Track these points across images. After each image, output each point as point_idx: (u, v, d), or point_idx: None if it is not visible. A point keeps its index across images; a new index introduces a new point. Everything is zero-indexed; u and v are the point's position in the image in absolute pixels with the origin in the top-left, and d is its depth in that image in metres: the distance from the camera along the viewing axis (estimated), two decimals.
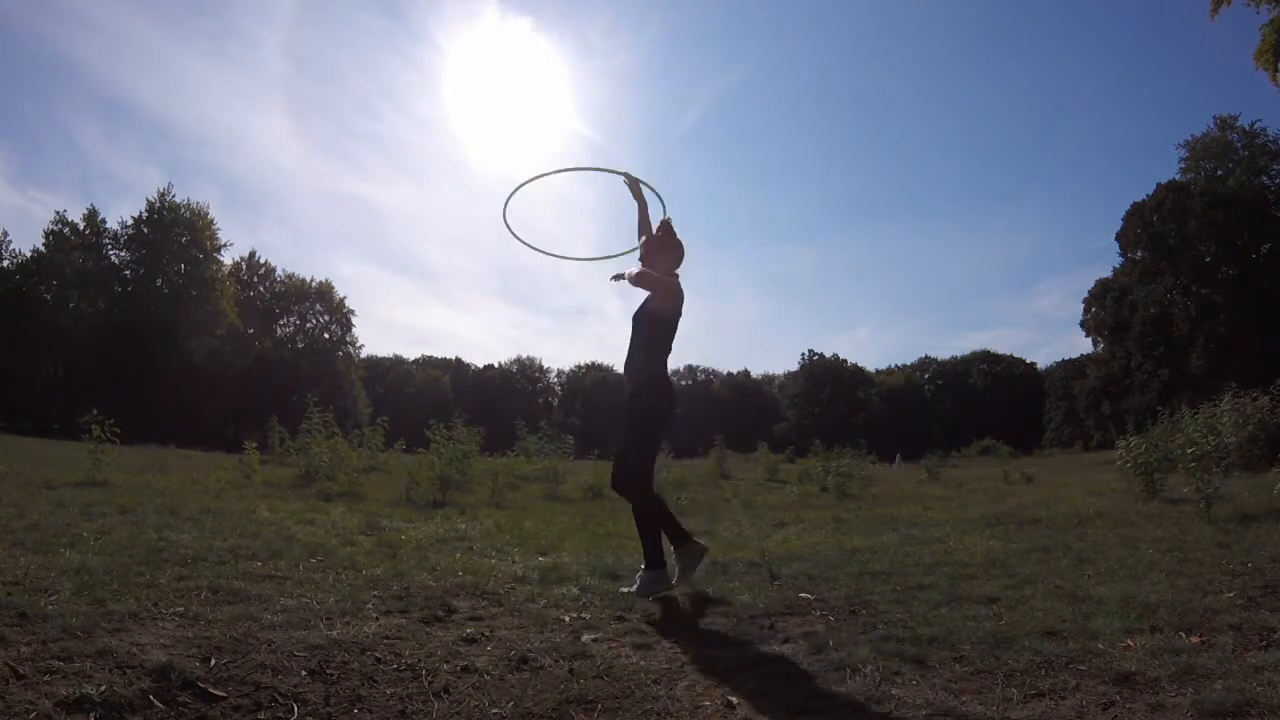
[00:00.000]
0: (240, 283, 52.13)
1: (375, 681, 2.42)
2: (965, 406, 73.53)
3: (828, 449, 15.96)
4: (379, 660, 2.60)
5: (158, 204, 45.89)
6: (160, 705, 2.09)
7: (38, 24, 70.14)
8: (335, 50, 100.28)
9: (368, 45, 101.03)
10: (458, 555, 4.75)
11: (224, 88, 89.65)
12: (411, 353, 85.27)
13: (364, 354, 61.25)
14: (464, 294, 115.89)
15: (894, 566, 4.52)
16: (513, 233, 4.65)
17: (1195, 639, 2.74)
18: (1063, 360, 63.88)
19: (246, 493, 8.12)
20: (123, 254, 46.11)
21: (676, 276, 4.06)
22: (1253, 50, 11.79)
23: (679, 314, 3.99)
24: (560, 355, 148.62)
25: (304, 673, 2.42)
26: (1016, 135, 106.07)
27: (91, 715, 1.97)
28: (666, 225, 4.17)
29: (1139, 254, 45.10)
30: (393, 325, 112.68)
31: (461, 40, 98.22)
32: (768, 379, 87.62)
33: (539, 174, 4.80)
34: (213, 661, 2.42)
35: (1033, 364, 77.08)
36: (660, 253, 4.09)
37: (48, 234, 44.10)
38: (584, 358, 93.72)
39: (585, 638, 3.01)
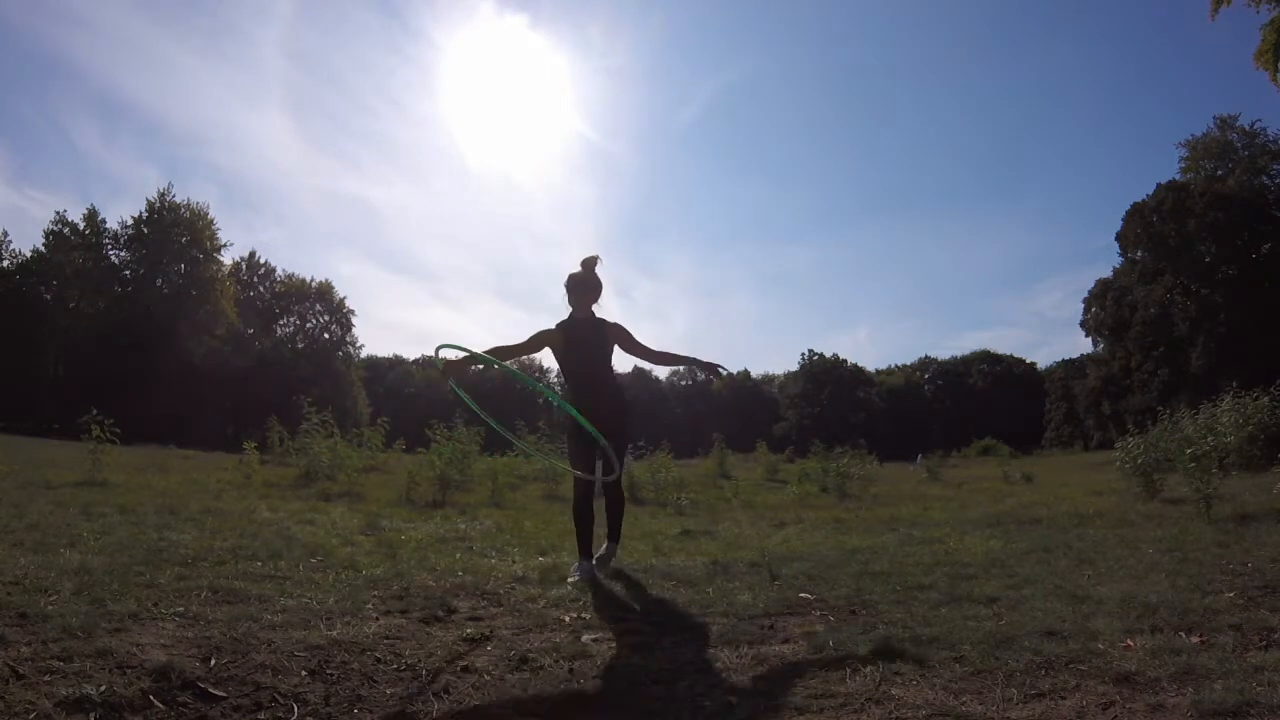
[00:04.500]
0: (240, 283, 52.08)
1: (375, 681, 2.42)
2: (965, 406, 73.43)
3: (828, 449, 15.94)
4: (379, 660, 2.60)
5: (157, 204, 45.85)
6: (160, 705, 2.09)
7: (35, 24, 70.19)
8: (332, 48, 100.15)
9: (364, 43, 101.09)
10: (458, 555, 4.75)
11: (221, 86, 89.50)
12: (411, 353, 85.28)
13: (364, 354, 61.30)
14: (463, 294, 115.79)
15: (894, 566, 4.51)
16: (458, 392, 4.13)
17: (1195, 639, 2.74)
18: (1063, 360, 63.75)
19: (246, 493, 8.12)
20: (123, 254, 46.10)
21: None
22: (1253, 50, 11.78)
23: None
24: None
25: (304, 673, 2.42)
26: (1017, 134, 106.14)
27: (91, 715, 1.98)
28: (592, 264, 4.30)
29: (1139, 254, 45.16)
30: (393, 325, 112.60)
31: (458, 37, 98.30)
32: (768, 379, 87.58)
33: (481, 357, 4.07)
34: (213, 661, 2.42)
35: (1033, 364, 76.96)
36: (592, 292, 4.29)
37: (48, 234, 44.11)
38: None
39: (585, 638, 3.01)
